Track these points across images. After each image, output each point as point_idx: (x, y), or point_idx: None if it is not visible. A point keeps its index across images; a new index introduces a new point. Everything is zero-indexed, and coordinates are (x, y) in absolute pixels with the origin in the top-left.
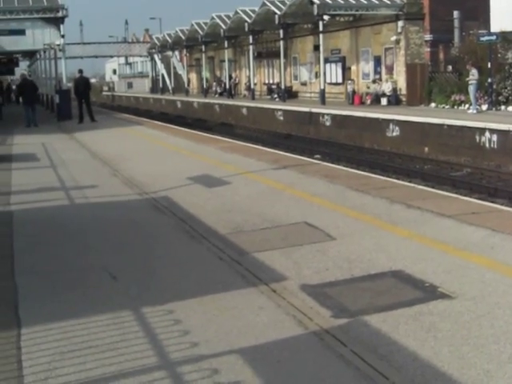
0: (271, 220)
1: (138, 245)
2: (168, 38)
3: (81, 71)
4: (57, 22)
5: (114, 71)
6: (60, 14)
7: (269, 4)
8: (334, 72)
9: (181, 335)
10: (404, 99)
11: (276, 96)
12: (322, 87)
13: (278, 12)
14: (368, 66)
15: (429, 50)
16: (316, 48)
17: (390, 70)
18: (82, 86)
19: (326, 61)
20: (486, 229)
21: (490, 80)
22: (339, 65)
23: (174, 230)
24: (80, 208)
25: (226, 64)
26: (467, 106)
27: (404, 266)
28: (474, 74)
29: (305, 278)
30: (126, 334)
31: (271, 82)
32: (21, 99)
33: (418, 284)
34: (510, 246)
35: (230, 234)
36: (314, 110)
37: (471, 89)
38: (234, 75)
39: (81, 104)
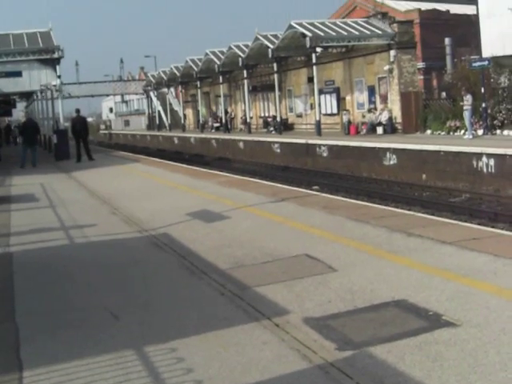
0: (272, 253)
1: (139, 283)
2: (163, 75)
3: (78, 111)
4: (53, 62)
5: (111, 109)
6: (56, 55)
7: (262, 38)
8: (328, 103)
9: (184, 373)
10: (399, 127)
11: (272, 129)
12: (318, 118)
13: (271, 46)
14: (362, 96)
15: (422, 77)
16: (310, 80)
17: (384, 99)
18: (80, 125)
19: (321, 92)
20: (488, 254)
21: (484, 105)
22: (334, 96)
23: (174, 266)
24: (80, 247)
25: (222, 99)
26: (463, 131)
27: (407, 296)
28: (468, 100)
29: (308, 310)
30: (129, 374)
31: (267, 114)
32: (18, 140)
33: (421, 313)
34: None
35: (230, 268)
36: (311, 141)
37: (466, 114)
38: (229, 109)
39: (78, 143)
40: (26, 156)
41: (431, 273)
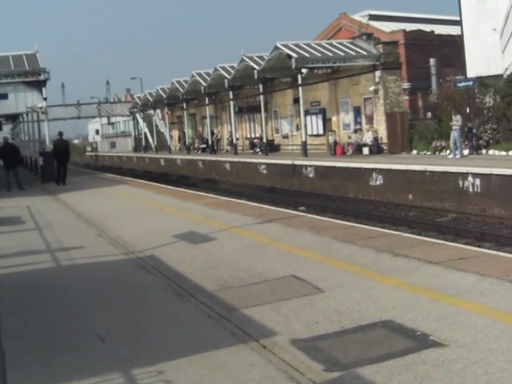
0: (258, 275)
1: (126, 305)
2: (149, 97)
3: (61, 133)
4: (39, 85)
5: (97, 131)
6: (42, 78)
7: (247, 60)
8: (314, 124)
9: None
10: (385, 148)
11: (258, 150)
12: (304, 139)
13: (257, 67)
14: (348, 117)
15: (407, 97)
16: (296, 101)
17: (370, 119)
18: (61, 148)
19: (307, 113)
20: (475, 274)
21: (469, 125)
22: (319, 116)
23: (161, 288)
24: (66, 270)
25: (208, 120)
26: (448, 151)
27: (394, 316)
28: (457, 120)
29: (295, 332)
30: None
31: (253, 136)
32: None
33: (409, 333)
34: (500, 290)
35: (217, 290)
36: (297, 162)
37: (455, 134)
38: (215, 131)
39: (59, 166)
40: (10, 179)
41: (418, 293)
